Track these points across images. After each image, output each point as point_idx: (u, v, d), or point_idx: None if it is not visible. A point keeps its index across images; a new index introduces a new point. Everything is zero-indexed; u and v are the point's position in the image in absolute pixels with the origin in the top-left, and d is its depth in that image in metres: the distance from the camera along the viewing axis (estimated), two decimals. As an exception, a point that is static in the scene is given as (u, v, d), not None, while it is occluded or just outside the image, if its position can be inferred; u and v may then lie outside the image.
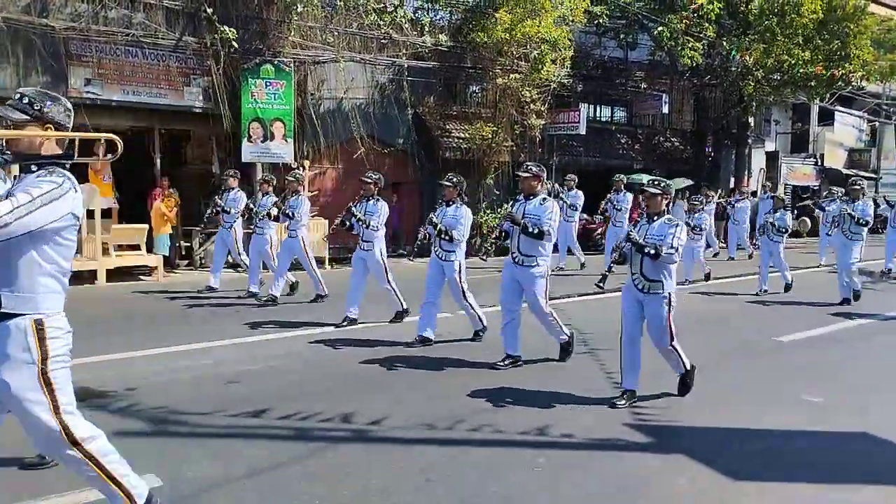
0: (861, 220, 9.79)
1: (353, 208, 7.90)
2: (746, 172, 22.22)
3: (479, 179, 15.80)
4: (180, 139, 14.14)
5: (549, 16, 14.68)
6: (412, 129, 15.91)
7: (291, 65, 13.15)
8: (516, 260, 6.26)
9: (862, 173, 23.46)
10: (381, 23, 14.42)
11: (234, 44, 12.30)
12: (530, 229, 6.02)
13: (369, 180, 8.16)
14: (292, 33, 13.15)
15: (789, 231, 11.12)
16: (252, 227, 10.13)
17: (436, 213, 7.23)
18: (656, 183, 5.53)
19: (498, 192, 16.29)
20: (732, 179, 21.95)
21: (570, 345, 6.68)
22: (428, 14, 15.78)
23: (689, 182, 18.22)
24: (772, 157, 24.30)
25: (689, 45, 17.34)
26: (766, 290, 10.91)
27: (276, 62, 12.90)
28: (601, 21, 17.68)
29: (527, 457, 4.41)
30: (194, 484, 3.91)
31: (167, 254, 12.31)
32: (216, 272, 10.52)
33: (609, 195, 13.15)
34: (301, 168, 13.47)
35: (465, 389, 5.76)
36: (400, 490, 3.92)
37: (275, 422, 4.91)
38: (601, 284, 6.42)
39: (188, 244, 13.80)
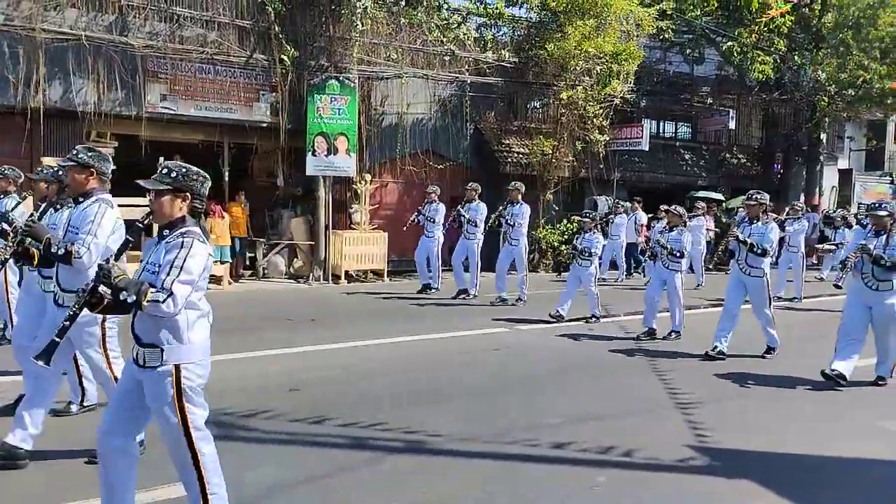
0: None
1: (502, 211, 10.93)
2: (818, 190, 21.45)
3: (539, 195, 15.72)
4: (247, 153, 14.55)
5: (616, 30, 14.56)
6: (472, 144, 15.98)
7: (356, 80, 13.40)
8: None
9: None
10: (444, 39, 14.57)
11: (295, 61, 12.66)
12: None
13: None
14: (356, 49, 13.41)
15: (684, 255, 8.46)
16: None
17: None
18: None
19: (557, 208, 16.18)
20: (802, 196, 21.22)
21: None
22: (491, 30, 15.85)
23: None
24: (845, 175, 23.40)
25: (759, 60, 16.92)
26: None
27: (340, 78, 13.17)
28: (666, 35, 17.43)
29: (586, 474, 4.32)
30: (253, 488, 3.98)
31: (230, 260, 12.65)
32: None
33: (501, 207, 11.15)
34: (363, 181, 13.70)
35: (528, 403, 5.71)
36: (457, 502, 3.90)
37: (336, 430, 4.96)
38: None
39: (252, 255, 14.16)
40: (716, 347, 7.49)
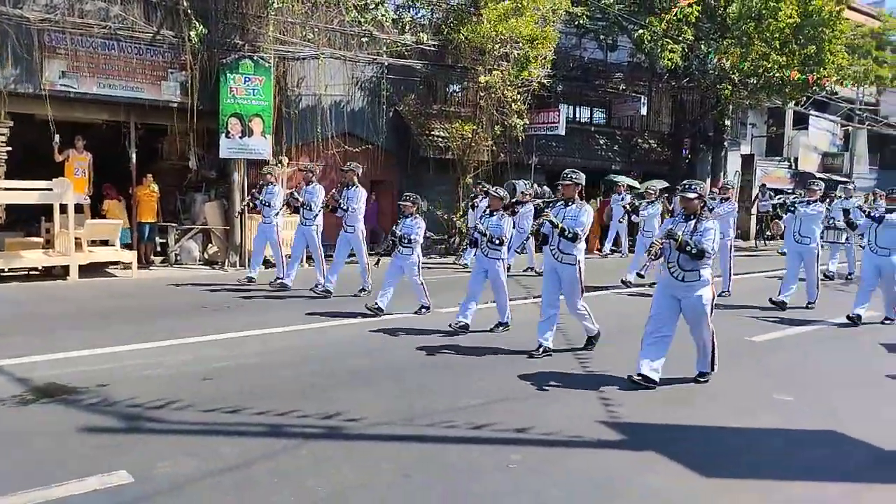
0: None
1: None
2: (722, 175, 22.47)
3: (459, 178, 15.81)
4: (157, 134, 13.96)
5: (531, 15, 14.72)
6: (391, 127, 15.88)
7: (271, 60, 13.05)
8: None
9: (835, 177, 23.88)
10: (362, 20, 14.36)
11: (205, 38, 12.20)
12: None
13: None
14: (271, 28, 13.05)
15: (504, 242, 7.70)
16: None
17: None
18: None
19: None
20: (708, 181, 22.19)
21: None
22: (409, 12, 15.74)
23: (665, 184, 18.37)
24: (747, 160, 24.60)
25: (669, 48, 17.50)
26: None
27: (255, 58, 12.79)
28: (581, 22, 17.77)
29: (503, 454, 4.42)
30: (167, 480, 3.88)
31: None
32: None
33: (334, 190, 10.41)
34: (279, 165, 13.39)
35: (446, 386, 5.77)
36: (376, 486, 3.91)
37: (251, 418, 4.87)
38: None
39: (163, 240, 13.65)
40: (540, 346, 6.79)
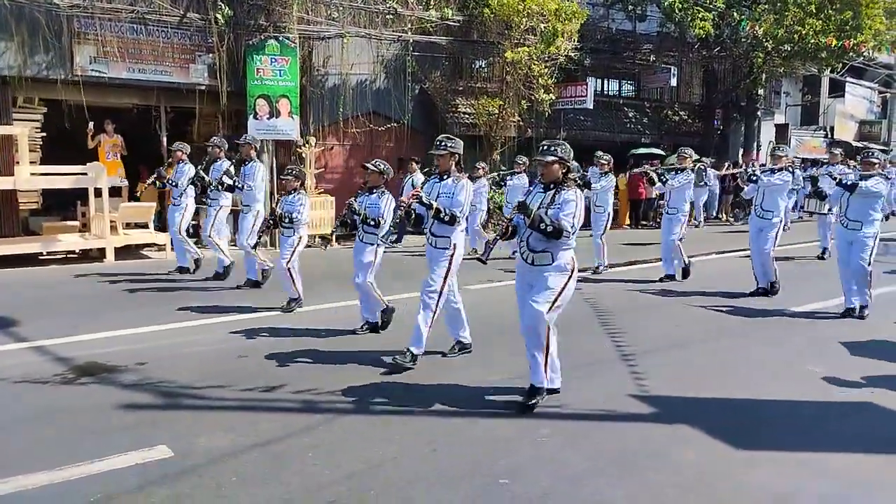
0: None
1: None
2: (756, 145, 22.02)
3: (487, 154, 15.73)
4: (186, 116, 14.11)
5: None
6: (417, 105, 15.83)
7: (296, 41, 13.06)
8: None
9: (872, 146, 23.23)
10: (386, -3, 14.28)
11: (231, 20, 12.25)
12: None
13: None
14: (296, 8, 13.05)
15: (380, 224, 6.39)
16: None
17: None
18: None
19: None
20: (741, 151, 21.78)
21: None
22: (433, -13, 15.60)
23: (696, 156, 18.04)
24: (781, 130, 24.04)
25: (700, 16, 17.11)
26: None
27: (280, 38, 12.82)
28: (609, -7, 17.45)
29: (531, 428, 4.45)
30: (205, 455, 3.98)
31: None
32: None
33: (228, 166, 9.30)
34: (307, 144, 13.46)
35: (469, 366, 5.81)
36: (408, 459, 3.97)
37: (285, 395, 4.97)
38: None
39: (195, 222, 13.81)
40: (457, 343, 5.99)
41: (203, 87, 12.68)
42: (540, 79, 15.29)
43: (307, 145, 13.48)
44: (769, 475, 3.88)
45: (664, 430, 4.50)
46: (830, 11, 17.51)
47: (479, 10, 15.04)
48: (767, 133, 23.46)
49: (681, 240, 9.89)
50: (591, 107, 17.32)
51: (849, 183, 7.52)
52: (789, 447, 4.26)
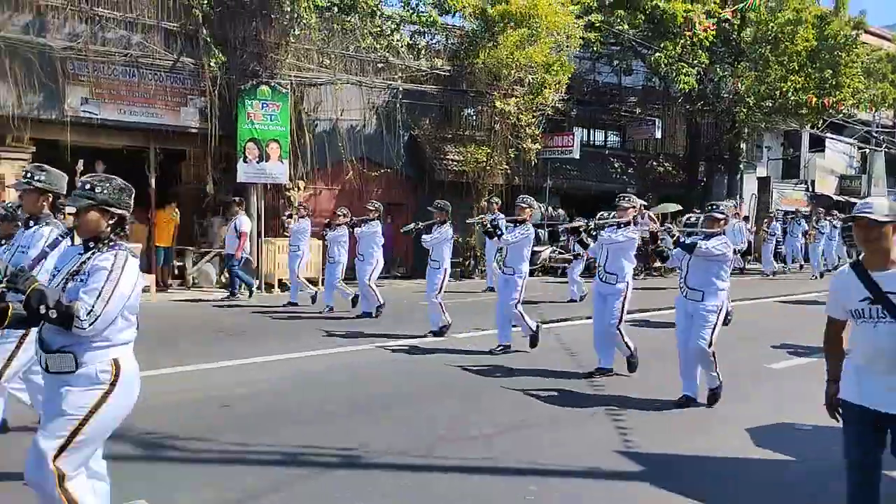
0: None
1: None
2: (738, 197, 22.38)
3: (474, 202, 15.86)
4: (175, 158, 14.16)
5: (546, 43, 14.84)
6: (407, 151, 15.99)
7: (288, 86, 13.22)
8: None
9: (853, 199, 23.68)
10: (378, 46, 14.55)
11: (225, 66, 12.41)
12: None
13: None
14: (289, 55, 13.25)
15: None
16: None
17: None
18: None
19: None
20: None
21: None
22: (424, 38, 15.93)
23: (678, 207, 18.30)
24: (763, 183, 24.50)
25: (684, 71, 17.56)
26: None
27: (272, 84, 12.97)
28: (595, 48, 17.88)
29: (520, 485, 4.38)
30: (185, 510, 3.88)
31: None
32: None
33: None
34: (296, 188, 13.53)
35: (460, 414, 5.75)
36: (393, 518, 3.89)
37: (270, 447, 4.87)
38: None
39: (181, 264, 13.77)
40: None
41: (194, 130, 12.77)
42: (527, 128, 15.54)
43: (296, 189, 13.54)
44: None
45: (652, 491, 4.45)
46: (811, 69, 18.06)
47: (469, 59, 15.35)
48: (750, 185, 23.89)
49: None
50: (578, 156, 17.60)
51: (687, 242, 5.98)
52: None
